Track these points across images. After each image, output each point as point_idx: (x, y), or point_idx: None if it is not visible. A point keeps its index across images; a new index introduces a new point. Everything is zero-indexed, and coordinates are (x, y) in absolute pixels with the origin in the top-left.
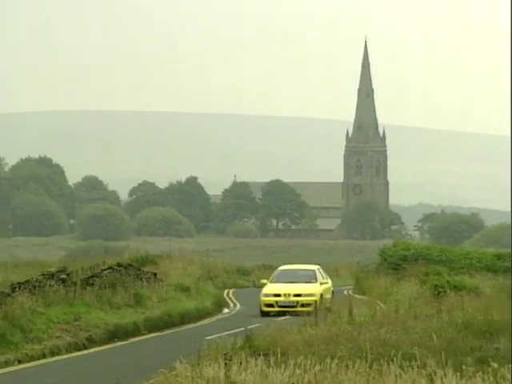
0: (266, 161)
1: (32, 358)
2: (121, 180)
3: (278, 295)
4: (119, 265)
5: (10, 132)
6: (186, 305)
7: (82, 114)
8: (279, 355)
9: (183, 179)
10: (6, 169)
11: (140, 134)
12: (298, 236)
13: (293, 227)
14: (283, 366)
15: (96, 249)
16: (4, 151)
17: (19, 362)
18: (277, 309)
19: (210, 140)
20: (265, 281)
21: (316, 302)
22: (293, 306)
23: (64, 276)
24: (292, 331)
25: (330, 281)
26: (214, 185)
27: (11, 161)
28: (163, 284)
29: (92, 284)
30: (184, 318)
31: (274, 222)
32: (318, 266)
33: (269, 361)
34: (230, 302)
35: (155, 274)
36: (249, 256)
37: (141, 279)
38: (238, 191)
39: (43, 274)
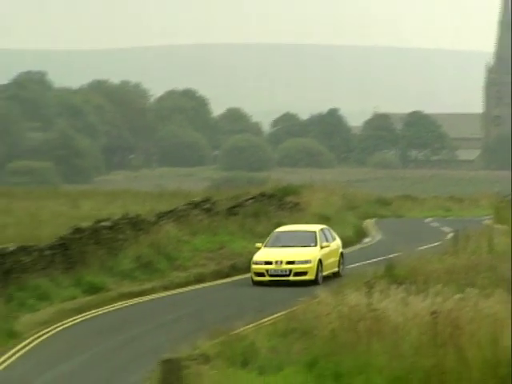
0: (406, 92)
1: (178, 285)
2: (263, 112)
3: (269, 263)
4: (262, 195)
5: (155, 64)
6: None
7: (224, 47)
8: (420, 283)
9: (325, 111)
10: (152, 100)
11: (282, 66)
12: (437, 167)
13: (433, 158)
14: (424, 294)
15: (239, 179)
16: (149, 83)
17: (165, 288)
18: (268, 278)
19: (351, 72)
20: (259, 245)
21: (312, 269)
22: (285, 275)
23: (208, 206)
24: (432, 260)
25: (338, 242)
26: (355, 116)
27: (156, 93)
28: (305, 213)
29: (235, 213)
30: None
31: (414, 153)
32: (323, 226)
33: (410, 289)
34: (370, 231)
35: (297, 204)
36: (389, 186)
37: (283, 209)
38: (379, 122)
39: (188, 204)
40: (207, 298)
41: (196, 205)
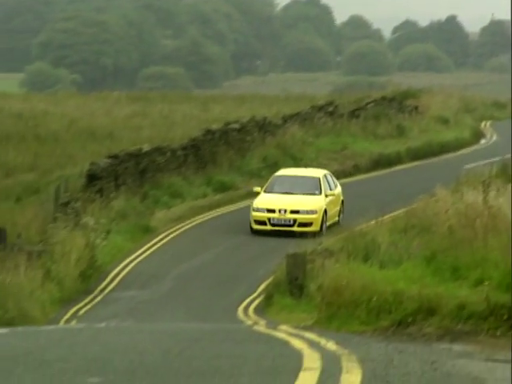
0: None
1: None
2: (384, 19)
3: (272, 211)
4: (383, 98)
5: None
6: (445, 136)
7: None
8: None
9: (443, 18)
10: (278, 9)
11: None
12: None
13: None
14: None
15: (360, 84)
16: None
17: None
18: (269, 227)
19: None
20: (258, 189)
21: (318, 220)
22: (289, 225)
23: (331, 109)
24: None
25: (339, 189)
26: (473, 23)
27: (282, 1)
28: (424, 116)
29: (357, 116)
30: (443, 148)
31: None
32: (325, 172)
33: None
34: (486, 133)
35: (416, 107)
36: (504, 90)
37: (403, 112)
38: (495, 29)
39: (312, 107)
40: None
41: (320, 108)
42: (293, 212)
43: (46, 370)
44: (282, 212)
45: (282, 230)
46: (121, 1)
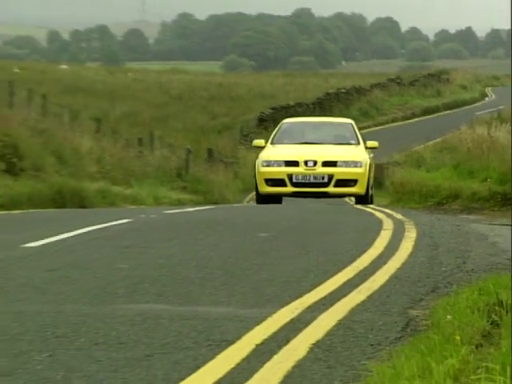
0: None
1: (381, 124)
2: (429, 28)
3: (294, 163)
4: (429, 74)
5: None
6: (464, 96)
7: None
8: None
9: (464, 27)
10: (368, 23)
11: None
12: None
13: None
14: None
15: (415, 66)
16: None
17: (375, 125)
18: (290, 189)
19: None
20: (260, 142)
21: (364, 177)
22: (322, 185)
23: (399, 80)
24: None
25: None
26: (479, 30)
27: (370, 17)
28: (452, 84)
29: (414, 85)
30: (463, 103)
31: None
32: (351, 121)
33: None
34: (488, 94)
35: (448, 79)
36: (499, 69)
37: (440, 82)
38: (495, 34)
39: (387, 79)
40: (399, 131)
41: (392, 80)
42: (326, 164)
43: (235, 228)
44: (311, 164)
45: (310, 193)
46: (278, 19)
